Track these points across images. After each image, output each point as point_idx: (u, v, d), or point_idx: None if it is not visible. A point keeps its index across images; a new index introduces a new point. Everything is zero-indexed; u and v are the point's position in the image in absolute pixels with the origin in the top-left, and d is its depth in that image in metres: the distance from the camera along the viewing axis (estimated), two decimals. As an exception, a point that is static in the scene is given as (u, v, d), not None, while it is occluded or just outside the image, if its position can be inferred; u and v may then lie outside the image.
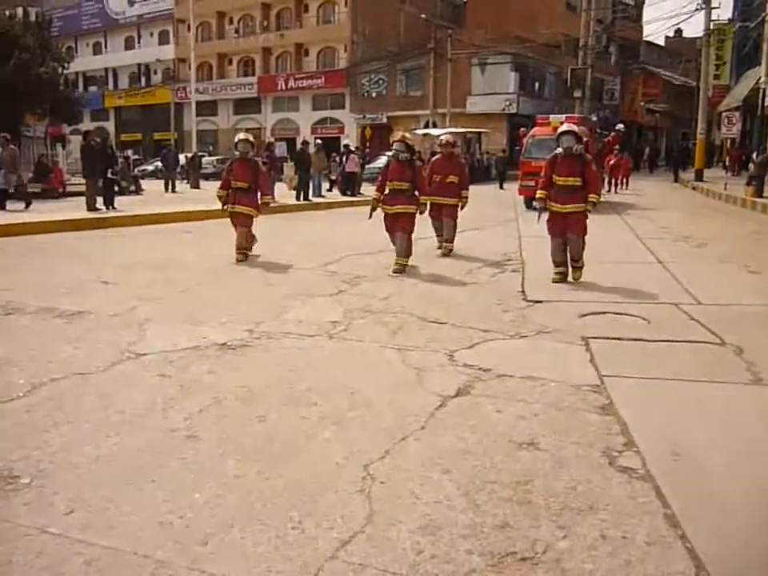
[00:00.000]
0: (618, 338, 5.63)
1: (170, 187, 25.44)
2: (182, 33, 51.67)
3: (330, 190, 24.60)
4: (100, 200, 16.37)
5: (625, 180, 25.44)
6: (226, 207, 9.71)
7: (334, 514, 2.89)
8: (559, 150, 8.04)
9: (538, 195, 8.23)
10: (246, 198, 9.54)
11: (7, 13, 31.67)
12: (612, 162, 24.00)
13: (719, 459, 3.45)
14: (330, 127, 48.55)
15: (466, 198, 10.49)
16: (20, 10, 33.38)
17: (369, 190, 25.71)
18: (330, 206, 20.21)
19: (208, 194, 23.32)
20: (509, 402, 4.19)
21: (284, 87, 50.42)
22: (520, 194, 18.42)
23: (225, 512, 2.90)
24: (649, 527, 2.81)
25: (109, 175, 16.77)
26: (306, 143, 23.03)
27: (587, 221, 8.12)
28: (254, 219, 9.63)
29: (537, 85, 44.57)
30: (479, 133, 37.25)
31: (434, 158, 10.97)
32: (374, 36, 46.45)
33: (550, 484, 3.17)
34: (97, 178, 16.39)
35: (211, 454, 3.44)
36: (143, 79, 59.09)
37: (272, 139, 37.51)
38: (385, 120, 45.71)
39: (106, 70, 61.05)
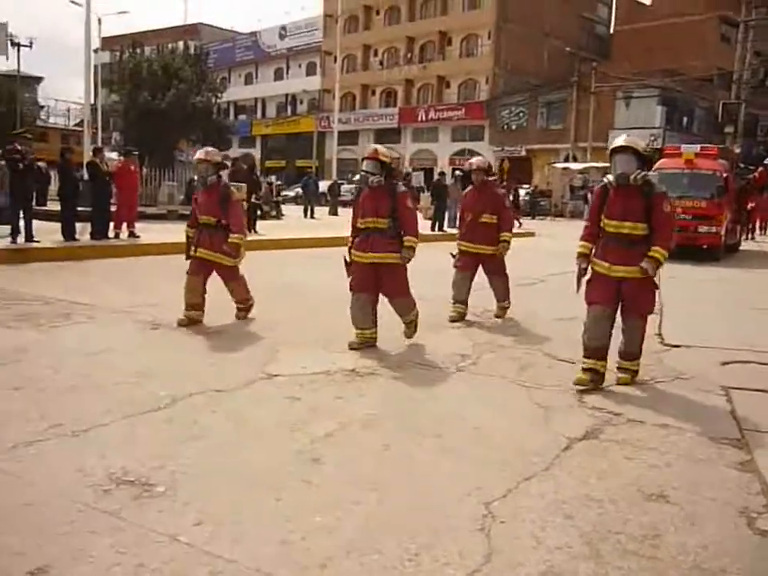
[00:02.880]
0: (764, 391, 5.30)
1: (309, 213, 26.27)
2: (329, 64, 53.53)
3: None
4: (243, 223, 17.11)
5: (764, 224, 23.40)
6: (191, 253, 7.12)
7: (452, 550, 2.86)
8: (609, 177, 5.28)
9: (578, 250, 5.50)
10: (213, 239, 6.98)
11: (170, 46, 33.95)
12: (753, 204, 21.91)
13: None
14: (468, 158, 48.62)
15: (506, 242, 7.73)
16: (181, 44, 35.72)
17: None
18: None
19: (344, 221, 23.95)
20: (639, 449, 4.03)
21: (424, 118, 51.22)
22: None
23: (344, 537, 2.94)
24: (788, 597, 2.62)
25: (253, 200, 17.53)
26: (443, 174, 23.24)
27: (655, 291, 5.42)
28: (237, 266, 7.26)
29: (685, 119, 43.06)
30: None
31: (464, 191, 8.44)
32: (516, 68, 46.48)
33: (680, 540, 3.01)
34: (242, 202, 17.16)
35: (334, 479, 3.50)
36: (289, 108, 61.70)
37: (410, 169, 38.09)
38: (524, 153, 45.47)
39: (256, 99, 64.25)
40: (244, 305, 7.41)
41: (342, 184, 38.76)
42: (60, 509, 3.05)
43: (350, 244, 6.45)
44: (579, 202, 33.87)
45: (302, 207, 27.70)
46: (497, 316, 8.00)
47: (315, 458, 3.74)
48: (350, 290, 6.33)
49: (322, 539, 2.91)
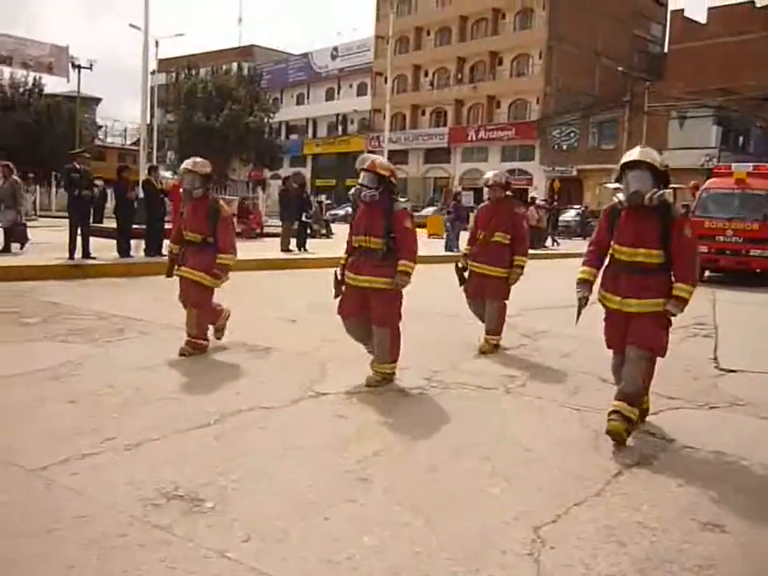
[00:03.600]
0: (824, 418, 5.14)
1: (358, 232, 26.42)
2: (380, 85, 54.01)
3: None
4: (293, 241, 17.31)
5: None
6: (173, 272, 6.71)
7: (500, 575, 2.82)
8: (620, 196, 4.64)
9: (578, 276, 4.90)
10: (198, 257, 6.38)
11: (224, 68, 34.68)
12: None
13: None
14: (518, 179, 48.48)
15: (520, 266, 7.06)
16: (235, 65, 36.48)
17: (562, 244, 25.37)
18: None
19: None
20: (693, 477, 3.93)
21: (474, 138, 51.24)
22: None
23: (390, 559, 2.92)
24: None
25: (303, 218, 17.72)
26: (492, 194, 23.14)
27: (668, 329, 4.62)
28: (212, 290, 6.52)
29: (741, 139, 42.26)
30: (674, 188, 35.78)
31: (479, 207, 7.67)
32: (568, 88, 46.26)
33: (736, 571, 2.93)
34: (292, 221, 17.37)
35: (380, 499, 3.49)
36: (340, 128, 62.31)
37: (459, 189, 38.07)
38: (575, 173, 45.13)
39: (307, 119, 65.11)
40: (195, 339, 6.41)
41: (392, 203, 38.98)
42: (111, 522, 3.10)
43: (342, 262, 5.81)
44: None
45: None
46: (482, 351, 7.02)
47: (362, 478, 3.73)
48: (339, 314, 5.78)
49: (369, 560, 2.90)
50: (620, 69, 41.42)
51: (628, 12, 51.26)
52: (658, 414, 5.10)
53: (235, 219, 20.52)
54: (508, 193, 7.16)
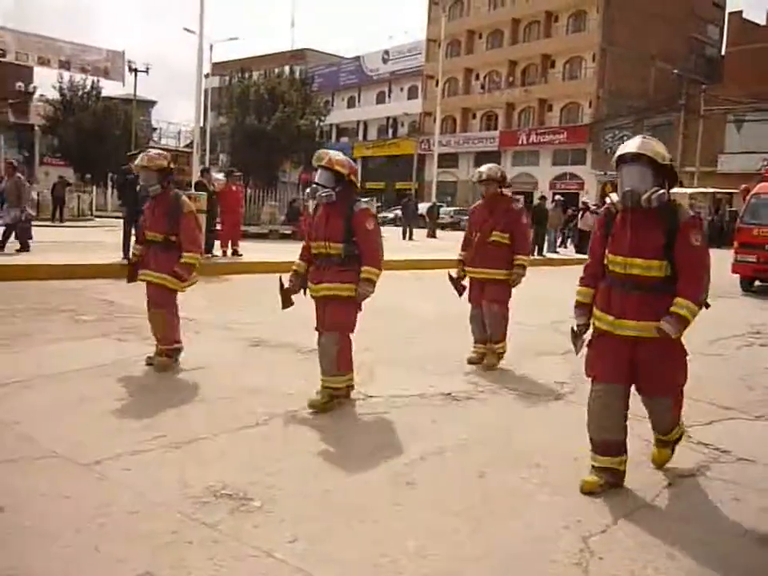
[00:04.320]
0: None
1: (407, 235, 26.38)
2: (430, 88, 53.88)
3: (562, 246, 24.31)
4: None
5: None
6: (135, 276, 6.05)
7: (547, 584, 2.79)
8: (614, 196, 3.85)
9: (576, 298, 4.23)
10: (160, 258, 5.83)
11: (276, 71, 35.06)
12: None
13: None
14: (570, 182, 48.01)
15: (522, 266, 6.43)
16: (287, 69, 36.84)
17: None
18: (564, 262, 19.83)
19: (444, 244, 23.99)
20: (749, 490, 3.82)
21: (525, 141, 50.82)
22: (734, 271, 14.15)
23: (436, 564, 2.90)
24: None
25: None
26: (543, 198, 22.98)
27: (684, 356, 3.87)
28: (176, 292, 5.95)
29: (801, 144, 41.14)
30: (731, 193, 35.04)
31: (473, 206, 7.09)
32: (621, 91, 45.60)
33: (794, 589, 2.84)
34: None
35: (427, 504, 3.47)
36: (390, 131, 62.41)
37: (509, 193, 37.86)
38: (626, 177, 44.43)
39: (358, 122, 65.37)
40: (166, 346, 5.89)
41: (441, 206, 39.05)
42: (161, 518, 3.15)
43: (295, 268, 5.27)
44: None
45: (400, 229, 27.87)
46: (487, 366, 6.40)
47: (409, 482, 3.72)
48: (316, 329, 5.19)
49: (414, 565, 2.89)
50: (675, 71, 40.69)
51: (684, 14, 50.32)
52: (712, 424, 4.99)
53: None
54: (504, 190, 6.64)
